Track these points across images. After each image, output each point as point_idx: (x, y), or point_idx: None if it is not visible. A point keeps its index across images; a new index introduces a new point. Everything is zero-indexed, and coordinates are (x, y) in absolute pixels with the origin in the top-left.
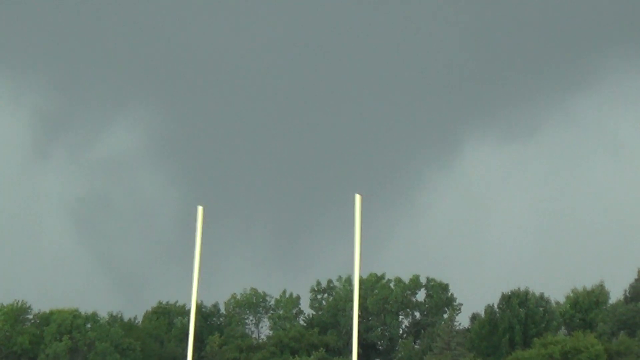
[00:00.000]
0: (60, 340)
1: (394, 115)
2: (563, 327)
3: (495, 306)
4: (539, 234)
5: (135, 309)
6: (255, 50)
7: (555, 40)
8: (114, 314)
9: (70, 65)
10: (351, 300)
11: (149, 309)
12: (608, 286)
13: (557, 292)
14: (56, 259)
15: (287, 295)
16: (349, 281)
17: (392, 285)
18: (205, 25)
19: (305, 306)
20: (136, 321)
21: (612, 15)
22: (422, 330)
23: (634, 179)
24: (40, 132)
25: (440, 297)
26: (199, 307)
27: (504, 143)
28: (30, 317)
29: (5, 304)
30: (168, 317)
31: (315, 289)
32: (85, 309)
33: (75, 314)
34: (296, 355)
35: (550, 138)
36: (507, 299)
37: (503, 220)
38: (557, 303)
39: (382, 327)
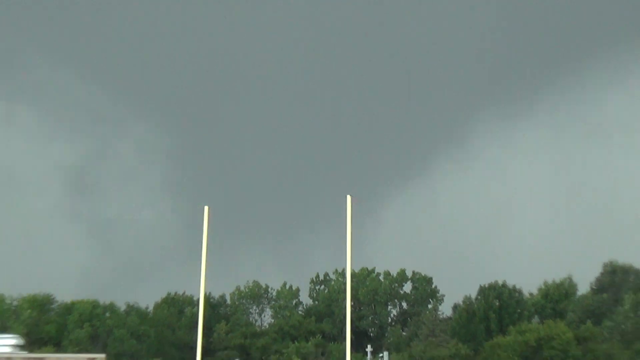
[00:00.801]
0: (82, 328)
1: (390, 117)
2: (536, 316)
3: (473, 297)
4: (513, 230)
5: (146, 299)
6: (254, 53)
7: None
8: (130, 304)
9: (82, 53)
10: (344, 292)
11: (159, 299)
12: (576, 279)
13: (530, 284)
14: (72, 255)
15: (287, 287)
16: (343, 274)
17: (381, 278)
18: (210, 30)
19: (303, 296)
20: (148, 310)
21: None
22: (408, 319)
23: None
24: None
25: (425, 289)
26: (207, 298)
27: (484, 149)
28: (54, 307)
29: (29, 295)
30: (178, 306)
31: (314, 280)
32: (103, 300)
33: (94, 304)
34: (295, 341)
35: (531, 134)
36: (484, 291)
37: (480, 220)
38: (531, 294)
39: (372, 316)
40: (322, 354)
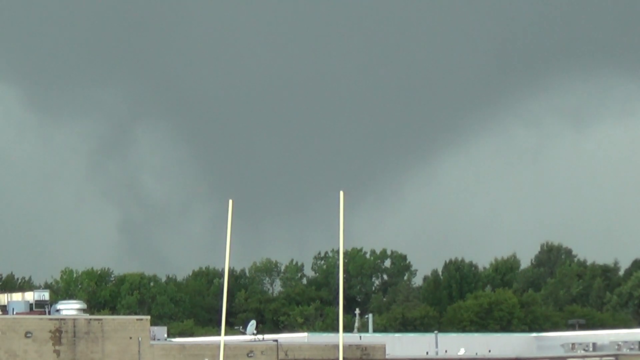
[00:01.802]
0: (132, 295)
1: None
2: (488, 286)
3: (439, 271)
4: (471, 219)
5: (183, 272)
6: (256, 49)
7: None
8: (170, 275)
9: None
10: (338, 267)
11: (190, 272)
12: (519, 256)
13: (484, 260)
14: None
15: (293, 263)
16: (338, 253)
17: (367, 255)
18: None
19: (307, 270)
20: (184, 281)
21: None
22: (388, 288)
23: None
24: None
25: (401, 264)
26: (231, 271)
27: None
28: (111, 278)
29: (89, 269)
30: (205, 277)
31: (316, 257)
32: (148, 272)
33: (142, 276)
34: (299, 306)
35: (489, 146)
36: (448, 266)
37: (445, 210)
38: (484, 268)
39: (360, 286)
40: (320, 316)
